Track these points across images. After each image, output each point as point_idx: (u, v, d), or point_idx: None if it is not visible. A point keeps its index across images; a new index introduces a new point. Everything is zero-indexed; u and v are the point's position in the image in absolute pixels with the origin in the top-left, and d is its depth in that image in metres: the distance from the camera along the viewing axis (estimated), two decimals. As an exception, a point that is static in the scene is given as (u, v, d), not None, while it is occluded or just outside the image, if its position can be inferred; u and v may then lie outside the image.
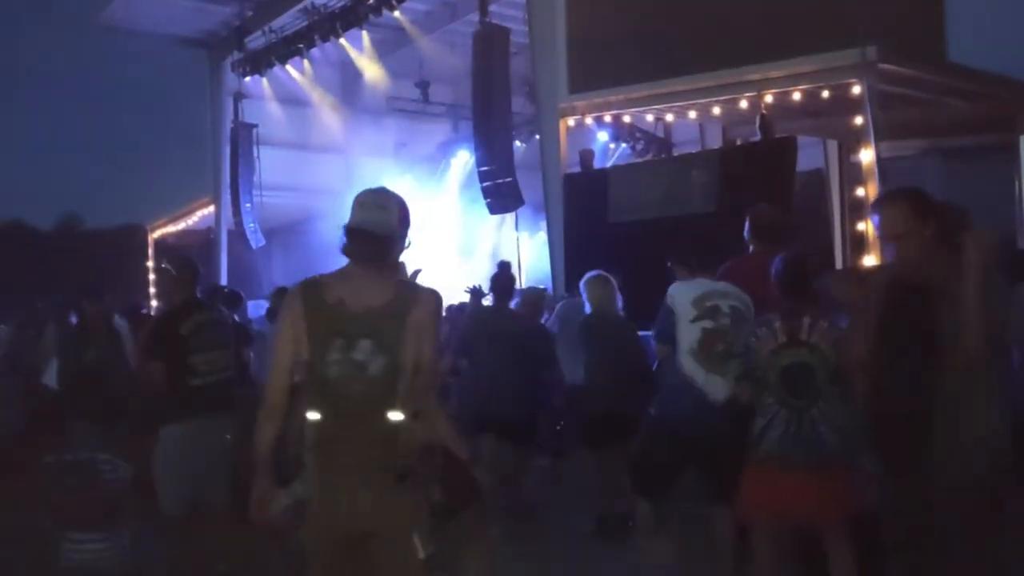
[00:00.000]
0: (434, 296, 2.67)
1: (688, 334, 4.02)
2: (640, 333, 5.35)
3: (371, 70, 14.75)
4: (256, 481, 2.62)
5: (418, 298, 2.61)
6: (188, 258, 4.84)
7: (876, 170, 7.64)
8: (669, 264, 4.48)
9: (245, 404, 5.41)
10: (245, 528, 2.78)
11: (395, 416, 2.52)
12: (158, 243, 17.98)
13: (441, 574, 2.68)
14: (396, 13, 12.78)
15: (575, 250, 9.54)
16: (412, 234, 2.75)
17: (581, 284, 5.53)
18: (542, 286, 11.45)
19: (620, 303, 5.50)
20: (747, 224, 4.67)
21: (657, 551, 4.41)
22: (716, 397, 3.96)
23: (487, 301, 6.23)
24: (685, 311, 4.04)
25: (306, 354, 2.54)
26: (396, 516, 2.55)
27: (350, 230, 2.62)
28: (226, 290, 9.43)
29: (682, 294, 4.12)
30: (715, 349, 3.97)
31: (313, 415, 2.53)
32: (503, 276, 5.87)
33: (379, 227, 2.61)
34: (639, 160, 11.68)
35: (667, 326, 4.11)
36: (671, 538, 4.51)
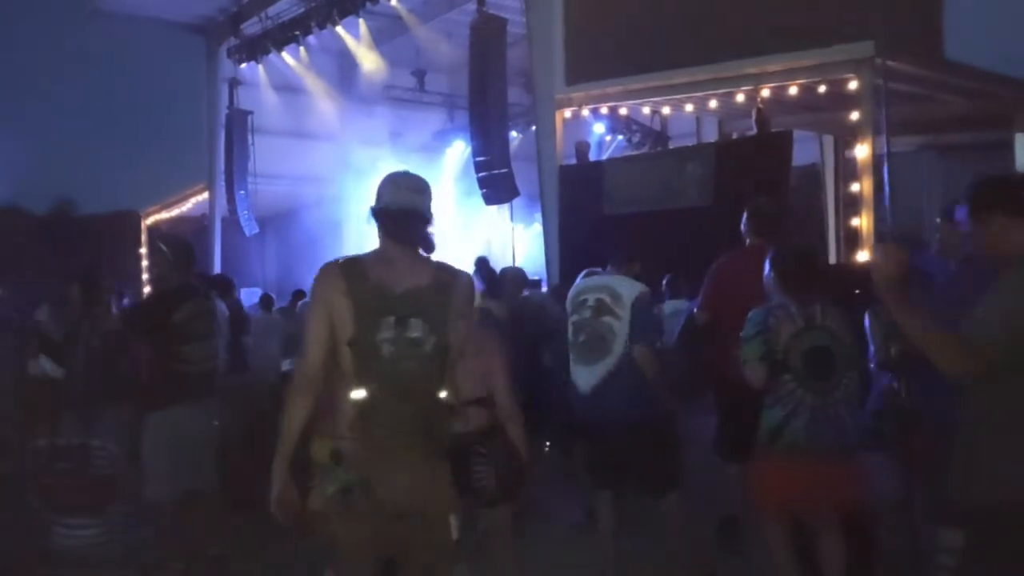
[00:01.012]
0: (470, 280, 2.70)
1: (569, 328, 4.27)
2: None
3: (367, 58, 14.69)
4: (278, 475, 2.52)
5: (457, 280, 2.63)
6: (185, 240, 4.75)
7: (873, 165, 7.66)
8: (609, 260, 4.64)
9: (241, 391, 5.42)
10: (236, 513, 2.75)
11: (443, 394, 2.52)
12: (151, 229, 17.91)
13: (465, 564, 2.66)
14: (393, 2, 12.74)
15: (570, 242, 9.55)
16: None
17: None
18: (536, 277, 11.49)
19: None
20: (745, 217, 4.67)
21: (639, 541, 4.42)
22: (584, 387, 4.13)
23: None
24: (569, 308, 4.30)
25: (350, 332, 2.49)
26: (442, 497, 2.56)
27: (391, 211, 2.62)
28: (218, 277, 9.40)
29: (570, 293, 4.38)
30: (578, 341, 4.17)
31: (358, 393, 2.47)
32: (485, 270, 5.90)
33: (420, 208, 2.64)
34: (635, 152, 11.67)
35: (564, 324, 4.37)
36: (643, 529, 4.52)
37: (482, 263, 6.28)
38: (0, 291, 11.07)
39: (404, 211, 2.60)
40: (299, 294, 10.07)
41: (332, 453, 2.48)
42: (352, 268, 2.57)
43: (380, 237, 2.64)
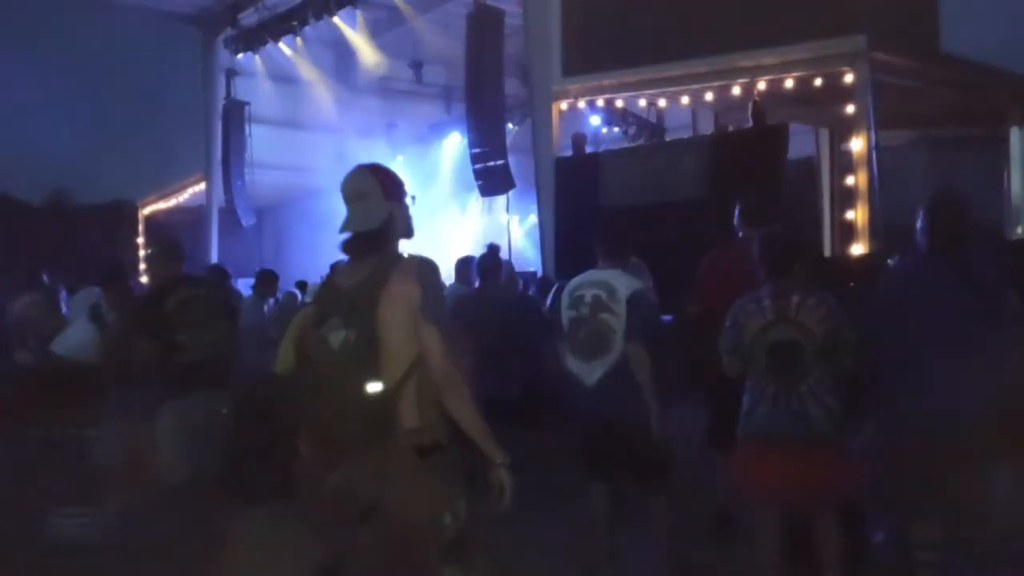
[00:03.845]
0: (416, 262, 2.63)
1: (565, 325, 4.25)
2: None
3: (364, 49, 14.67)
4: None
5: (396, 268, 2.58)
6: (171, 238, 4.89)
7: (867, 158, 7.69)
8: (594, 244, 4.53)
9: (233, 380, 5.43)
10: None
11: (373, 388, 2.48)
12: (148, 220, 17.90)
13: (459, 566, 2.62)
14: (390, -8, 12.74)
15: (565, 234, 9.57)
16: (411, 192, 2.78)
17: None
18: (531, 268, 11.52)
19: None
20: (737, 210, 4.70)
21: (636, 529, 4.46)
22: (587, 382, 4.12)
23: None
24: (565, 303, 4.28)
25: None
26: (400, 491, 2.51)
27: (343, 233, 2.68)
28: (211, 266, 9.41)
29: (565, 289, 4.36)
30: (578, 336, 4.16)
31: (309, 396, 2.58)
32: (490, 258, 5.86)
33: (360, 225, 2.64)
34: (631, 145, 11.69)
35: (557, 319, 4.35)
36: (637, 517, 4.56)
37: (491, 251, 6.15)
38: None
39: (349, 233, 2.67)
40: (301, 285, 10.08)
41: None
42: (326, 277, 2.82)
43: None
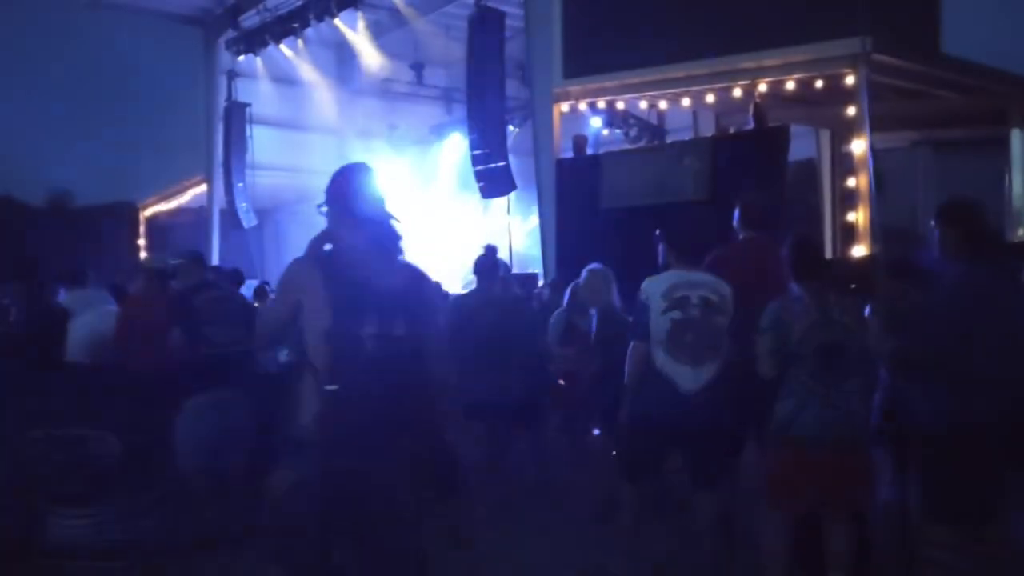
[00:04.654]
0: (435, 281, 2.83)
1: (659, 326, 4.01)
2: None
3: (366, 51, 14.69)
4: None
5: (427, 281, 2.86)
6: (195, 250, 5.75)
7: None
8: (657, 238, 4.38)
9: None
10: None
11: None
12: (150, 221, 17.89)
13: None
14: (391, -6, 12.75)
15: (567, 235, 9.57)
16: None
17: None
18: (532, 270, 11.52)
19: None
20: (737, 211, 4.70)
21: (647, 535, 4.45)
22: (686, 387, 3.94)
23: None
24: (656, 304, 4.03)
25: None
26: (404, 486, 2.62)
27: (351, 214, 2.77)
28: (228, 270, 9.41)
29: (654, 288, 4.11)
30: (684, 339, 3.96)
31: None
32: (487, 259, 5.85)
33: (379, 211, 2.77)
34: (632, 147, 11.69)
35: (642, 321, 4.08)
36: (660, 522, 4.56)
37: (489, 253, 6.12)
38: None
39: None
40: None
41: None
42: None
43: None
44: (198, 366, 4.61)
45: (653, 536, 4.46)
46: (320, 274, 2.60)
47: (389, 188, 2.83)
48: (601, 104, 10.90)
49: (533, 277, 10.99)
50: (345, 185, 2.72)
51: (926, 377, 3.48)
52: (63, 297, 6.30)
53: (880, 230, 7.56)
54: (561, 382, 6.04)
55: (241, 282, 7.35)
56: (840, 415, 3.48)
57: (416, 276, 2.74)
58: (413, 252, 2.78)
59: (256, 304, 9.06)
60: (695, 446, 3.94)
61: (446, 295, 7.62)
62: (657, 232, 4.36)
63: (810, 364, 3.50)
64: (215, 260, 15.30)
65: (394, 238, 2.72)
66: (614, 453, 4.62)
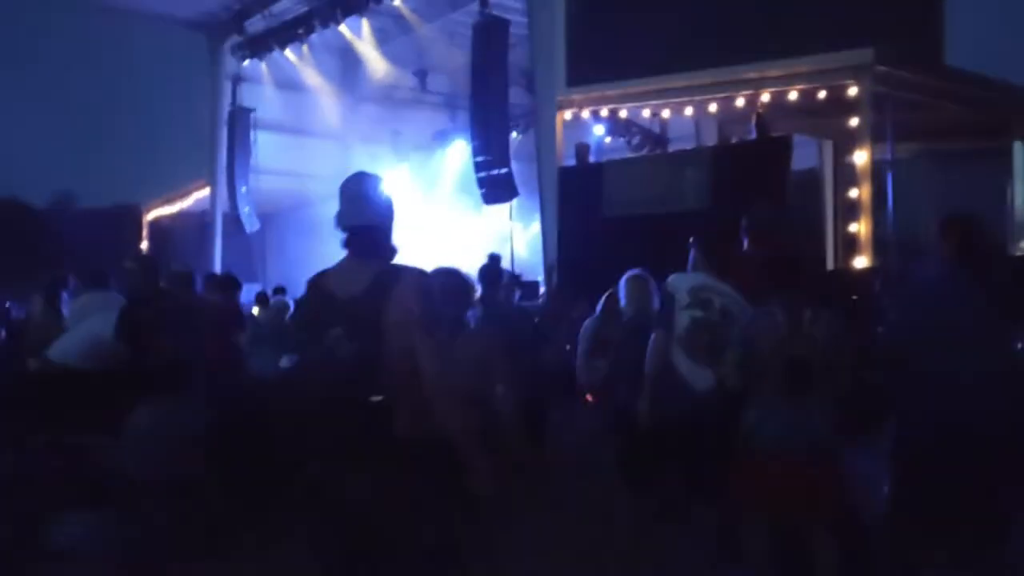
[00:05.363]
0: (415, 275, 2.65)
1: (680, 321, 4.04)
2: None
3: (370, 57, 14.74)
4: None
5: (398, 281, 2.60)
6: (149, 255, 5.16)
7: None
8: (691, 243, 4.44)
9: (232, 390, 5.46)
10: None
11: (375, 400, 2.52)
12: (153, 225, 17.93)
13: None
14: (396, 1, 12.81)
15: (568, 243, 9.58)
16: (397, 213, 2.78)
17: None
18: (534, 279, 11.50)
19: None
20: (743, 222, 4.71)
21: (649, 540, 4.44)
22: (698, 387, 3.98)
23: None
24: (681, 298, 4.08)
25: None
26: (395, 502, 2.54)
27: (340, 226, 2.70)
28: (221, 275, 9.40)
29: (682, 282, 4.16)
30: (700, 340, 4.00)
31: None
32: (491, 269, 5.83)
33: (360, 218, 2.67)
34: (634, 155, 11.71)
35: (667, 311, 4.12)
36: (662, 527, 4.55)
37: (493, 261, 6.09)
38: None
39: (350, 225, 2.71)
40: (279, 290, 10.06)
41: None
42: (313, 283, 2.73)
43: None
44: (144, 376, 4.50)
45: (653, 547, 4.44)
46: (305, 294, 2.69)
47: (388, 193, 2.78)
48: (604, 112, 10.92)
49: (534, 285, 10.99)
50: (339, 199, 2.72)
51: (891, 379, 3.59)
52: (81, 298, 6.28)
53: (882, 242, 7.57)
54: (589, 398, 5.86)
55: (233, 288, 7.25)
56: (801, 428, 3.49)
57: (388, 279, 2.58)
58: (407, 256, 2.74)
59: (256, 310, 9.08)
60: (701, 447, 3.96)
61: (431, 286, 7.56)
62: (691, 239, 4.42)
63: (775, 377, 3.53)
64: (217, 263, 15.34)
65: (374, 246, 2.66)
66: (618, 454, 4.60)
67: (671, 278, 4.19)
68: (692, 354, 4.01)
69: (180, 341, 4.56)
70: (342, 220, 2.68)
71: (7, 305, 9.33)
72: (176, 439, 4.31)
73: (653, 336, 4.14)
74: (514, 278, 6.77)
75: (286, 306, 8.90)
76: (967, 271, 3.52)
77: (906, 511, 3.56)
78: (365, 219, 2.66)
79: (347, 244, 2.68)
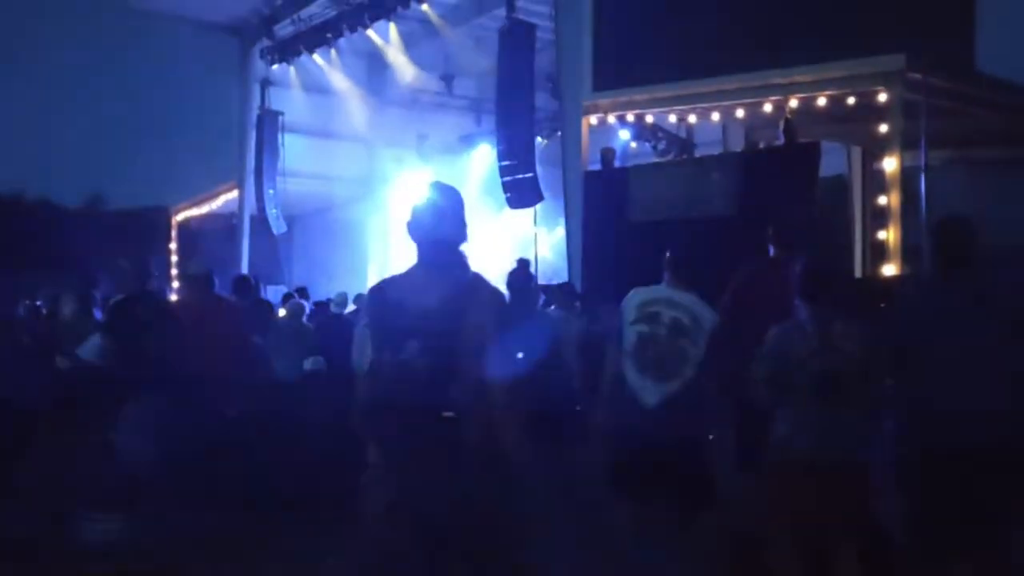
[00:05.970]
0: (490, 292, 2.66)
1: (627, 336, 4.06)
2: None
3: (397, 61, 14.82)
4: None
5: (476, 297, 2.61)
6: (141, 258, 5.25)
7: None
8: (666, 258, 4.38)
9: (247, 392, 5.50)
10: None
11: (447, 415, 2.52)
12: (181, 226, 18.12)
13: None
14: (424, 6, 12.85)
15: (593, 247, 9.56)
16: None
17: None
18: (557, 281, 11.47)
19: None
20: (770, 229, 4.67)
21: (640, 554, 4.41)
22: (646, 401, 3.96)
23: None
24: (629, 314, 4.10)
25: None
26: (464, 515, 2.53)
27: (415, 237, 2.70)
28: (235, 278, 9.51)
29: (632, 298, 4.17)
30: (645, 354, 3.99)
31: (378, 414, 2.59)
32: (520, 275, 5.80)
33: (437, 232, 2.67)
34: (660, 160, 11.66)
35: (617, 327, 4.15)
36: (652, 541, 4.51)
37: (522, 266, 6.04)
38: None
39: (422, 239, 2.72)
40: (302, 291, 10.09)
41: None
42: (375, 292, 2.76)
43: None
44: (128, 377, 4.55)
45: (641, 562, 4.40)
46: (372, 301, 2.68)
47: (459, 205, 2.76)
48: (630, 117, 10.88)
49: (559, 288, 10.95)
50: (414, 210, 2.72)
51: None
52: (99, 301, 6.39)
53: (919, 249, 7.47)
54: None
55: (250, 289, 7.29)
56: (836, 441, 3.46)
57: (464, 291, 2.58)
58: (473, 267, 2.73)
59: (282, 312, 9.16)
60: (656, 462, 3.93)
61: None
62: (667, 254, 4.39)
63: (806, 391, 3.49)
64: (244, 265, 15.48)
65: (447, 257, 2.65)
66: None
67: (628, 294, 4.20)
68: (640, 369, 3.99)
69: (161, 340, 4.63)
70: (417, 232, 2.68)
71: (38, 304, 9.49)
72: (163, 438, 4.35)
73: (605, 352, 4.18)
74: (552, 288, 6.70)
75: (302, 308, 8.96)
76: (957, 273, 3.50)
77: (925, 527, 3.51)
78: (441, 233, 2.66)
79: (420, 255, 2.68)
